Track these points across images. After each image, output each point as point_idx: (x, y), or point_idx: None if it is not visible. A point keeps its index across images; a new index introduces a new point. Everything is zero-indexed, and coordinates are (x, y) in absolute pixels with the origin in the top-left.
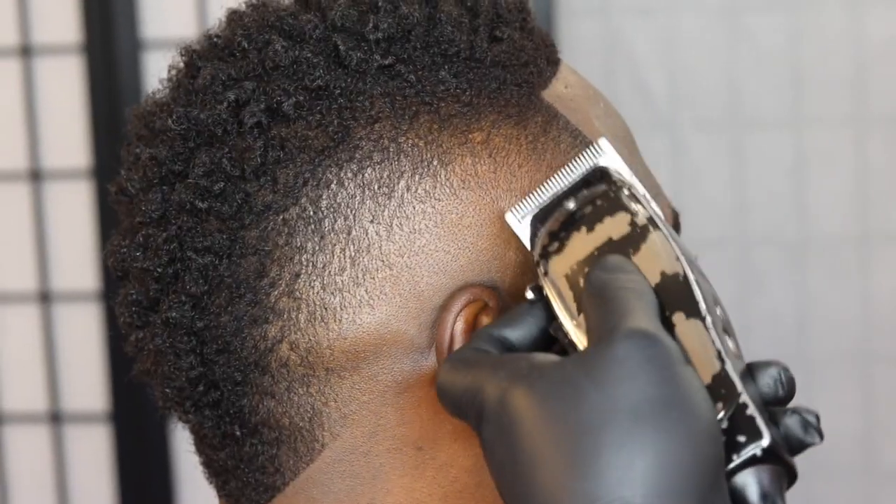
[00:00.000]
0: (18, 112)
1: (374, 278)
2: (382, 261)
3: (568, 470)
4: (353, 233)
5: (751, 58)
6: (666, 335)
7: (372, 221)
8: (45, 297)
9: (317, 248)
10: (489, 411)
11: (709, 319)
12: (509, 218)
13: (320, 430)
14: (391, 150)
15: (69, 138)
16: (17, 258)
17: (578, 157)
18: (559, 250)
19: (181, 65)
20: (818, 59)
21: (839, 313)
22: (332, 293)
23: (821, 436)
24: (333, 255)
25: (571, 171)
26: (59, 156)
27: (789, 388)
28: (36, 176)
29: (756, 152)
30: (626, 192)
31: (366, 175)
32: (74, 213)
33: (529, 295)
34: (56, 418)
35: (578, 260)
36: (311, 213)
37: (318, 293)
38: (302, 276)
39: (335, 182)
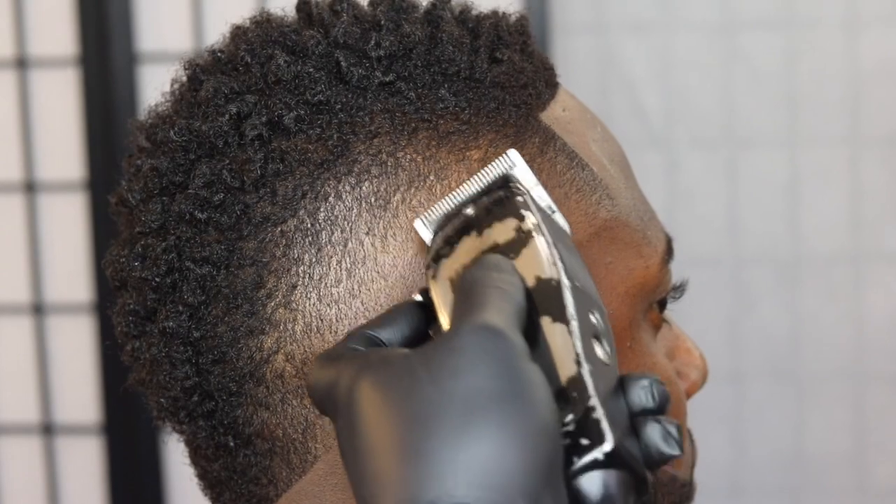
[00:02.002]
0: (14, 124)
1: (369, 290)
2: (378, 272)
3: (396, 459)
4: (350, 245)
5: (746, 77)
6: (514, 332)
7: (368, 233)
8: (39, 309)
9: (314, 259)
10: (340, 402)
11: (574, 324)
12: (418, 224)
13: (313, 441)
14: (389, 164)
15: (64, 150)
16: (11, 269)
17: (487, 167)
18: (449, 254)
19: (184, 78)
20: (813, 79)
21: (832, 332)
22: (329, 305)
23: (681, 448)
24: (330, 267)
25: (479, 180)
26: (53, 168)
27: (660, 400)
28: (30, 188)
29: (750, 171)
30: (520, 199)
31: (363, 188)
32: (69, 224)
33: (417, 297)
34: (48, 430)
35: (464, 263)
36: (309, 225)
37: (314, 305)
38: (299, 287)
39: (333, 195)
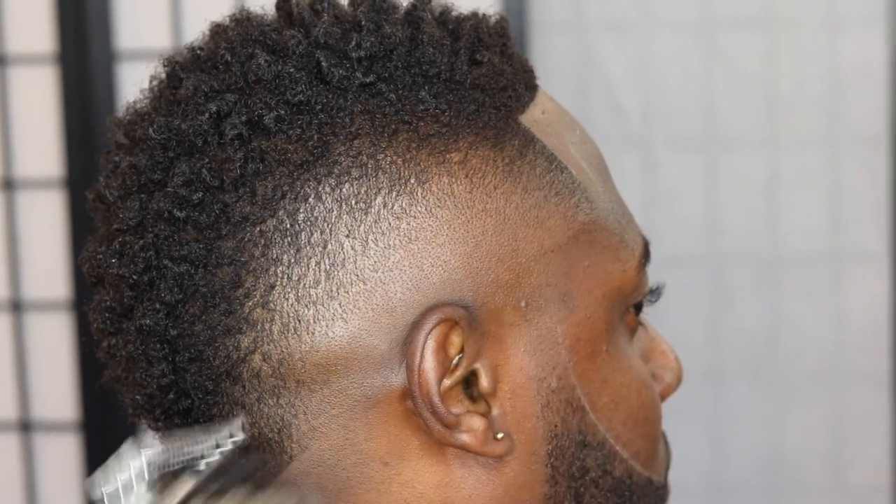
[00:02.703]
0: None
1: (347, 292)
2: (357, 275)
3: None
4: (329, 246)
5: (726, 77)
6: None
7: (348, 236)
8: (17, 306)
9: (292, 260)
10: None
11: None
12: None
13: (289, 441)
14: (370, 166)
15: (43, 148)
16: None
17: (216, 430)
18: None
19: (163, 75)
20: (793, 80)
21: (811, 331)
22: (306, 305)
23: None
24: (308, 268)
25: (205, 441)
26: (32, 165)
27: None
28: (8, 185)
29: (730, 171)
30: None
31: (343, 190)
32: (47, 222)
33: None
34: (26, 427)
35: None
36: (288, 225)
37: (292, 305)
38: (277, 287)
39: (313, 196)
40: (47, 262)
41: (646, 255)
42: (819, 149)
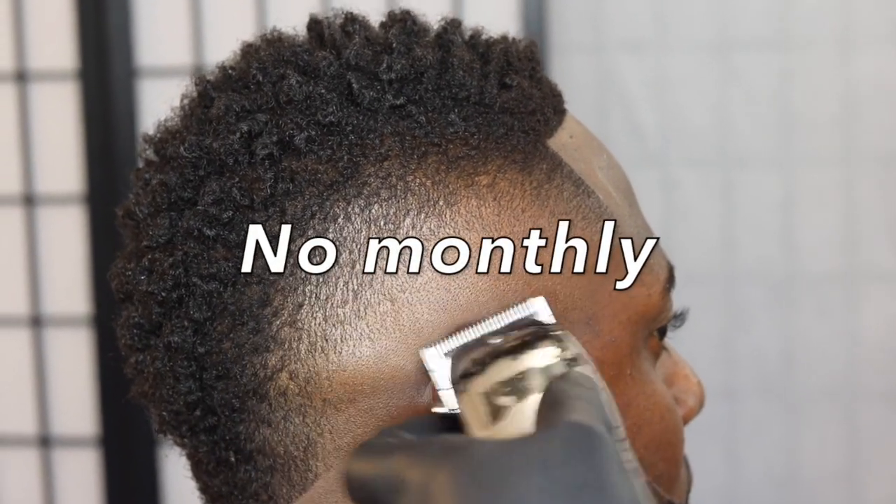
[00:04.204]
0: (13, 137)
1: (375, 312)
2: (384, 295)
3: None
4: (357, 267)
5: (741, 96)
6: (607, 433)
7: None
8: (37, 321)
9: (321, 279)
10: (412, 495)
11: (627, 442)
12: (430, 353)
13: (314, 460)
14: (399, 187)
15: (63, 164)
16: (10, 282)
17: (509, 310)
18: (480, 372)
19: (194, 94)
20: (808, 99)
21: (825, 351)
22: (334, 325)
23: None
24: (337, 288)
25: (500, 320)
26: (52, 181)
27: None
28: (29, 201)
29: (745, 190)
30: (559, 332)
31: (373, 211)
32: (67, 238)
33: (440, 410)
34: (45, 442)
35: (499, 381)
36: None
37: (319, 324)
38: (305, 306)
39: (342, 216)
40: (67, 278)
41: (671, 279)
42: (834, 168)
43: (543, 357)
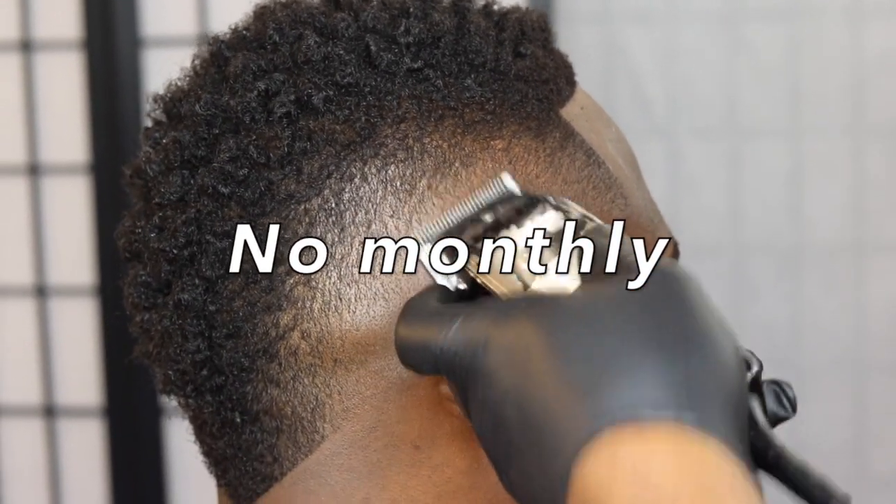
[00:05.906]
0: (18, 107)
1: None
2: (400, 255)
3: (599, 379)
4: (373, 226)
5: (749, 67)
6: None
7: (392, 216)
8: (42, 292)
9: (336, 239)
10: (501, 353)
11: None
12: (418, 237)
13: (321, 421)
14: (415, 149)
15: (68, 133)
16: (14, 252)
17: (482, 190)
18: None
19: (206, 55)
20: (816, 70)
21: (833, 322)
22: (349, 284)
23: (794, 409)
24: (352, 247)
25: (476, 199)
26: (57, 151)
27: (760, 365)
28: (34, 170)
29: (753, 161)
30: (551, 199)
31: (389, 171)
32: (72, 208)
33: (460, 286)
34: (50, 412)
35: (522, 243)
36: (333, 204)
37: (334, 283)
38: None
39: (359, 176)
40: (72, 248)
41: (675, 254)
42: (842, 139)
43: (551, 222)
